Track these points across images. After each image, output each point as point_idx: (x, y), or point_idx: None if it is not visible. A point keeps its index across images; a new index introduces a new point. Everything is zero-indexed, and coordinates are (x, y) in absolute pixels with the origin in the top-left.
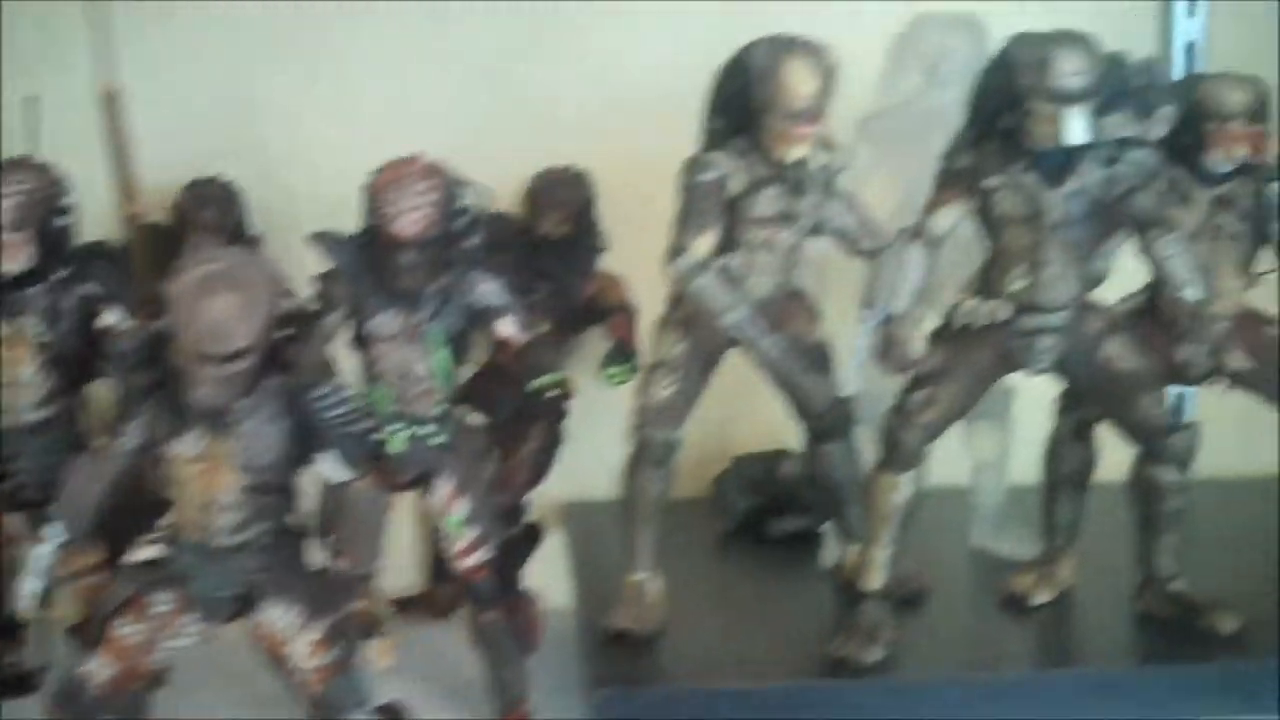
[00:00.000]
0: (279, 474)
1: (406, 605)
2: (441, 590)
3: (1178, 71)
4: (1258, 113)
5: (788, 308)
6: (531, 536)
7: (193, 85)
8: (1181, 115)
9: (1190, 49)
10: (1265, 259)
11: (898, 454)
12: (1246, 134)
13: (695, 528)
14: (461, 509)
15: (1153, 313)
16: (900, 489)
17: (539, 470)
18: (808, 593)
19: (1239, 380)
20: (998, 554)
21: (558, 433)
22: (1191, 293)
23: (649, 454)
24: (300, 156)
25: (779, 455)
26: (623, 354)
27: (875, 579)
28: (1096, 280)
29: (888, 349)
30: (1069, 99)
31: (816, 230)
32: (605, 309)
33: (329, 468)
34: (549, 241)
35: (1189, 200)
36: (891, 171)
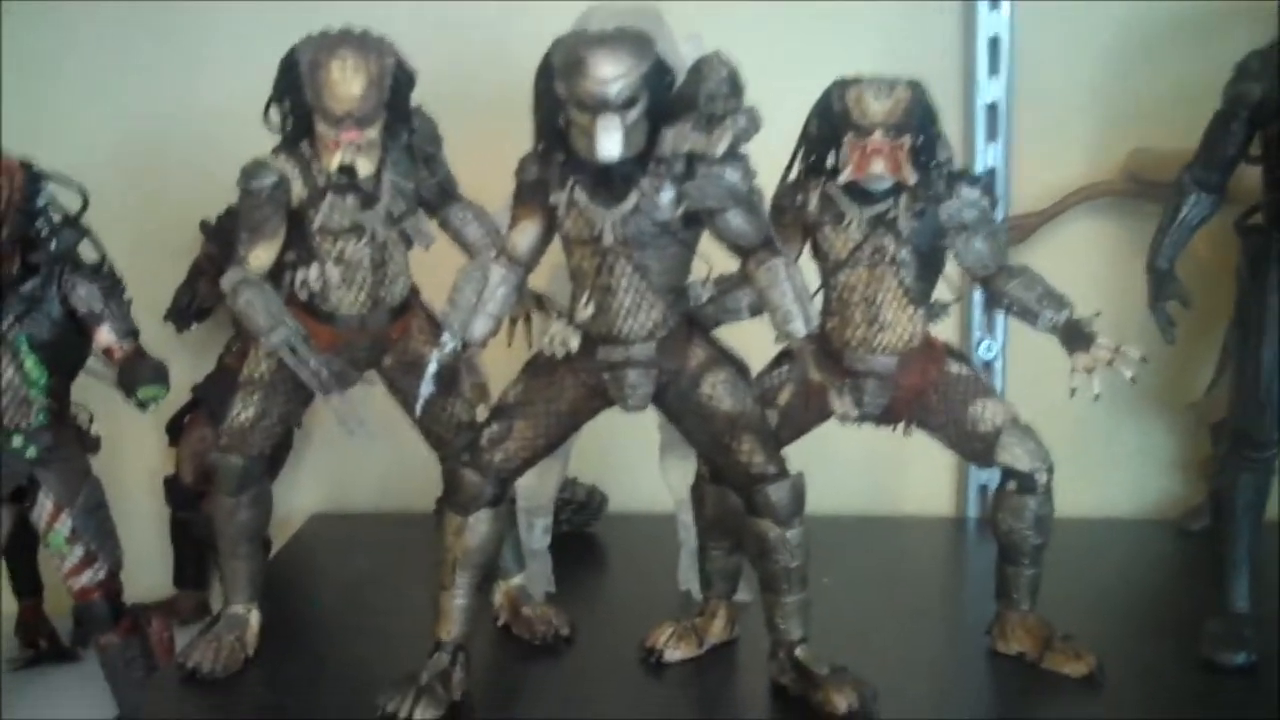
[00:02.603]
0: None
1: (149, 610)
2: (185, 596)
3: (983, 74)
4: (903, 125)
5: (397, 325)
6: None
7: None
8: (828, 124)
9: (994, 44)
10: (944, 289)
11: (461, 493)
12: (885, 147)
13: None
14: (64, 526)
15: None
16: (470, 531)
17: None
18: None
19: (919, 424)
20: (694, 596)
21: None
22: (795, 326)
23: (225, 480)
24: None
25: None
26: None
27: (445, 629)
28: (734, 315)
29: (459, 378)
30: (601, 107)
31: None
32: None
33: None
34: None
35: (842, 221)
36: None
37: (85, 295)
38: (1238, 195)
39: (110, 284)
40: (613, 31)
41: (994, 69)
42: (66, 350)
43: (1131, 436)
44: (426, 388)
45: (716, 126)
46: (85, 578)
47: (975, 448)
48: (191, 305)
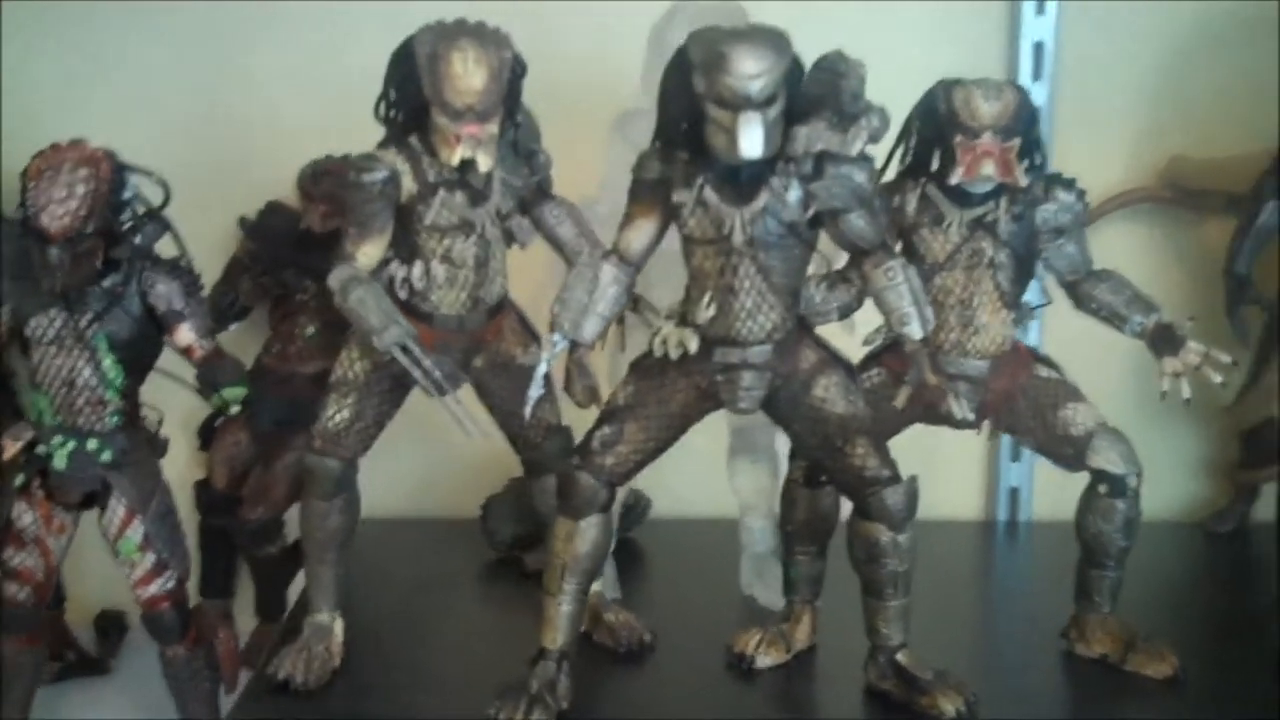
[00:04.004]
0: None
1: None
2: (211, 605)
3: (1026, 78)
4: (1012, 127)
5: (492, 326)
6: (294, 555)
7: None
8: (933, 126)
9: (1039, 49)
10: (1036, 293)
11: (576, 497)
12: (996, 150)
13: (460, 552)
14: (136, 533)
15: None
16: (581, 536)
17: (300, 482)
18: None
19: (1005, 429)
20: (758, 601)
21: None
22: (913, 329)
23: (316, 484)
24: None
25: None
26: None
27: (550, 637)
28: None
29: (572, 379)
30: (744, 105)
31: (513, 238)
32: None
33: None
34: (316, 237)
35: (942, 223)
36: None
37: (165, 292)
38: None
39: (190, 281)
40: (753, 28)
41: (1037, 74)
42: (143, 349)
43: (1160, 439)
44: (536, 389)
45: (851, 126)
46: (155, 586)
47: (1065, 451)
48: (235, 304)
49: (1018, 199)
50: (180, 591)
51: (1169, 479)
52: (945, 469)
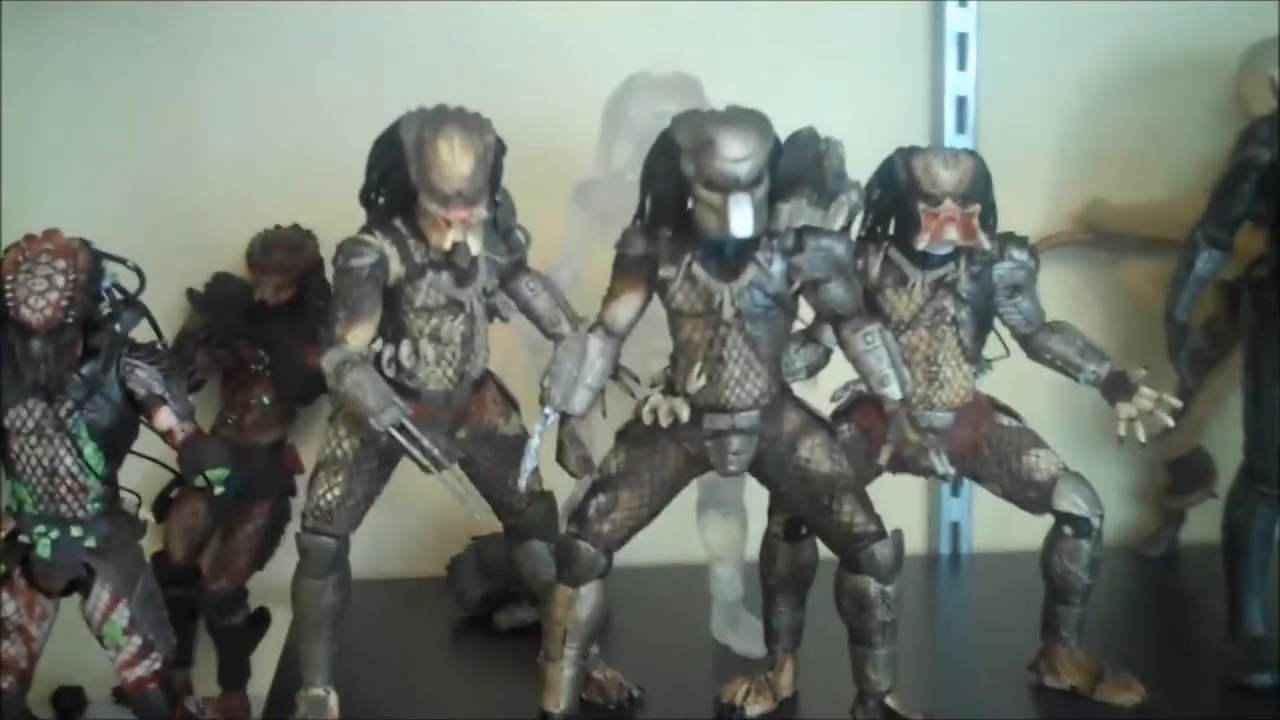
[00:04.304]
0: None
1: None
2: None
3: (950, 131)
4: (970, 194)
5: (476, 399)
6: (257, 623)
7: None
8: (893, 192)
9: (961, 103)
10: (993, 346)
11: (576, 565)
12: (958, 215)
13: (427, 613)
14: (122, 617)
15: (875, 404)
16: (582, 602)
17: (262, 551)
18: (528, 698)
19: (971, 475)
20: (734, 650)
21: (284, 510)
22: (892, 390)
23: (311, 563)
24: None
25: None
26: None
27: (553, 700)
28: (804, 375)
29: (563, 451)
30: (734, 187)
31: (496, 313)
32: None
33: None
34: (270, 308)
35: (906, 284)
36: (609, 243)
37: (145, 377)
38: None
39: (169, 365)
40: (736, 111)
41: (961, 127)
42: (122, 434)
43: (1092, 469)
44: (531, 461)
45: (832, 203)
46: (142, 668)
47: (1030, 496)
48: (193, 375)
49: (975, 259)
50: (167, 671)
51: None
52: (887, 504)
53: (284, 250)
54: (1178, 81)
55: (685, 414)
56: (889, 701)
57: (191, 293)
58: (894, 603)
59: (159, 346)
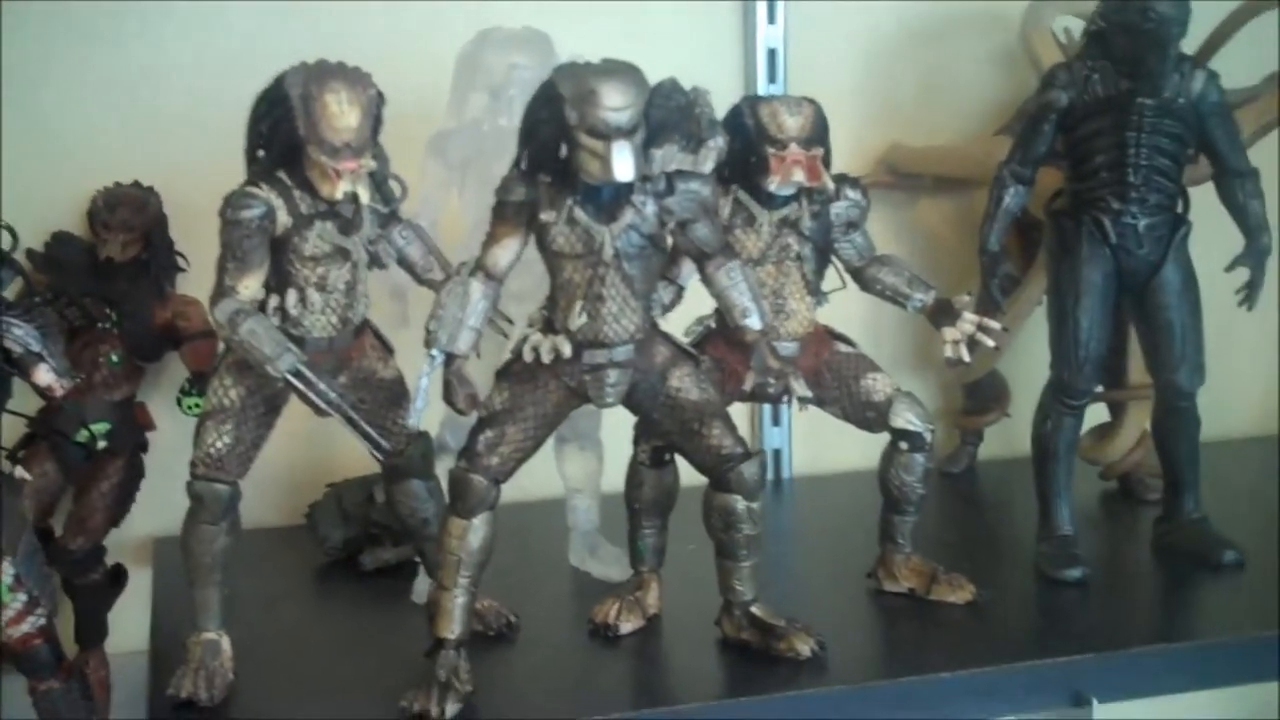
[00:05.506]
0: None
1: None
2: None
3: (762, 80)
4: (813, 138)
5: (356, 345)
6: (115, 580)
7: None
8: (741, 138)
9: (772, 55)
10: (831, 278)
11: (469, 498)
12: (803, 158)
13: (290, 559)
14: (7, 575)
15: (724, 337)
16: (474, 533)
17: (118, 508)
18: (402, 632)
19: (812, 401)
20: (593, 575)
21: (138, 466)
22: (753, 321)
23: (204, 509)
24: None
25: (376, 481)
26: (201, 382)
27: (448, 627)
28: (660, 311)
29: (451, 390)
30: (615, 134)
31: (377, 261)
32: (184, 335)
33: None
34: (115, 265)
35: (754, 224)
36: (464, 193)
37: (22, 335)
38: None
39: (44, 322)
40: (615, 64)
41: (772, 77)
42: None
43: None
44: (421, 401)
45: (701, 148)
46: (28, 624)
47: (869, 415)
48: None
49: (815, 198)
50: (51, 626)
51: None
52: None
53: (129, 208)
54: (964, 35)
55: (567, 350)
56: (754, 610)
57: (31, 253)
58: (759, 518)
59: (35, 303)
